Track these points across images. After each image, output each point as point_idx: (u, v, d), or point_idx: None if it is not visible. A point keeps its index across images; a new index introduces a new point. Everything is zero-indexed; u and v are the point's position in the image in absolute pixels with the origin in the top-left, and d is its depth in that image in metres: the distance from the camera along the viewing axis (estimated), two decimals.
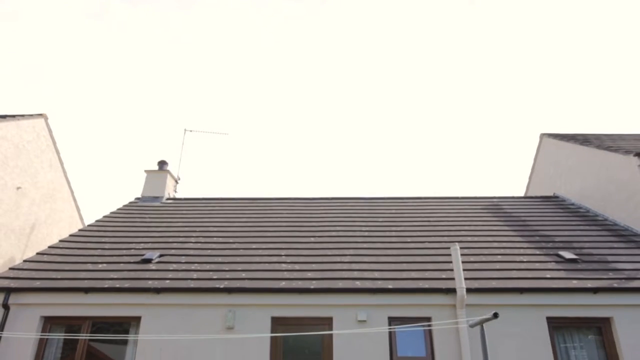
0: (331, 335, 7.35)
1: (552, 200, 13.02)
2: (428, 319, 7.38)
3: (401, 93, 37.05)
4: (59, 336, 7.61)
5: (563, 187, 13.15)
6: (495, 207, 12.35)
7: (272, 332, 7.38)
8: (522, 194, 15.47)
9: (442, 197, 13.38)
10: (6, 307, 7.51)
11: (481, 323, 3.98)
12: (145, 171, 13.57)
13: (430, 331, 7.38)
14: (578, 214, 11.52)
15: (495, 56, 36.05)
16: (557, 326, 7.44)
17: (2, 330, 7.34)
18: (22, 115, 11.39)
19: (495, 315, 3.75)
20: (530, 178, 15.19)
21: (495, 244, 9.50)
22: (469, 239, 9.82)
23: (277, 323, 7.50)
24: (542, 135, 14.36)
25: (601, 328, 7.42)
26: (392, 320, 7.43)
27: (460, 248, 7.82)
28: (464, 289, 7.21)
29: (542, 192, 14.06)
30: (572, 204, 12.39)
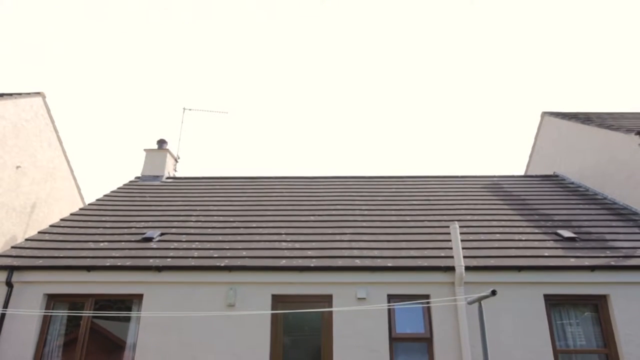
0: (331, 312, 7.45)
1: (552, 179, 13.03)
2: (427, 297, 7.48)
3: (402, 72, 36.69)
4: (62, 313, 7.72)
5: (563, 166, 13.14)
6: (495, 186, 12.36)
7: (272, 309, 7.48)
8: (522, 173, 15.47)
9: (442, 176, 13.38)
10: (10, 284, 7.60)
11: (479, 300, 4.03)
12: (145, 150, 13.54)
13: (428, 308, 7.48)
14: (577, 193, 11.55)
15: (496, 34, 35.58)
16: (554, 303, 7.54)
17: (6, 308, 7.45)
18: (20, 94, 11.29)
19: (494, 293, 3.79)
20: (530, 157, 15.17)
21: (495, 223, 9.55)
22: (468, 217, 9.87)
23: (278, 301, 7.60)
24: (544, 114, 14.27)
25: (597, 305, 7.52)
26: (391, 298, 7.52)
27: (460, 227, 7.87)
28: (463, 267, 7.29)
29: (542, 171, 14.06)
30: (572, 183, 12.40)
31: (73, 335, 7.61)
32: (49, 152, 12.25)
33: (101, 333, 7.75)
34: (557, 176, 13.21)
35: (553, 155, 13.73)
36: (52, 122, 12.67)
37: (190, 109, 14.71)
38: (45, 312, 7.60)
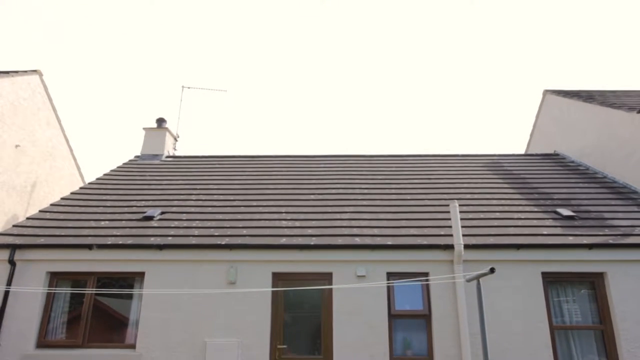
0: (331, 289, 7.53)
1: (553, 157, 13.01)
2: (426, 274, 7.55)
3: (403, 50, 36.22)
4: (64, 290, 7.81)
5: (564, 145, 13.10)
6: (495, 165, 12.35)
7: (273, 287, 7.56)
8: (523, 152, 15.43)
9: (442, 154, 13.36)
10: (12, 263, 7.66)
11: (478, 278, 4.07)
12: (144, 129, 13.49)
13: (427, 286, 7.56)
14: (577, 172, 11.54)
15: (499, 11, 34.99)
16: (552, 281, 7.62)
17: (9, 285, 7.53)
18: (16, 72, 11.17)
19: (492, 270, 3.82)
20: (531, 135, 15.11)
21: (494, 201, 9.57)
22: (468, 196, 9.89)
23: (278, 278, 7.68)
24: (546, 92, 14.15)
25: (594, 282, 7.60)
26: (390, 276, 7.60)
27: (459, 205, 7.89)
28: (462, 245, 7.34)
29: (543, 150, 14.02)
30: (572, 162, 12.38)
31: (76, 313, 7.72)
32: (47, 130, 12.19)
33: (104, 310, 7.86)
34: (557, 155, 13.18)
35: (554, 134, 13.67)
36: (50, 100, 12.57)
37: (189, 87, 14.61)
38: (47, 290, 7.69)
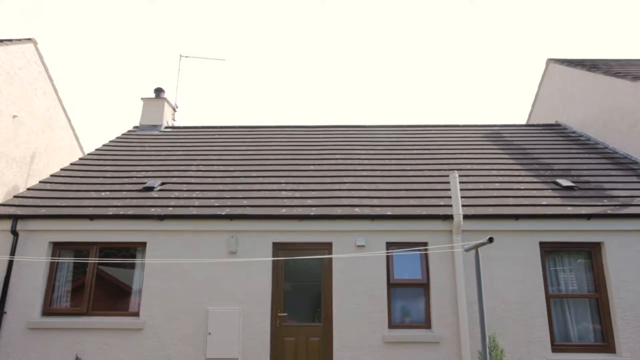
0: (331, 259, 7.62)
1: (554, 128, 12.93)
2: (424, 244, 7.62)
3: (404, 20, 35.46)
4: (66, 260, 7.91)
5: (566, 115, 13.00)
6: (496, 135, 12.29)
7: (273, 257, 7.65)
8: (524, 122, 15.32)
9: (443, 125, 13.27)
10: (15, 233, 7.73)
11: (476, 247, 4.10)
12: (142, 99, 13.36)
13: (426, 255, 7.65)
14: (578, 142, 11.50)
15: None
16: (549, 251, 7.70)
17: (13, 255, 7.62)
18: (10, 40, 10.96)
19: (490, 240, 3.85)
20: (533, 106, 14.97)
21: (494, 172, 9.57)
22: (468, 166, 9.88)
23: (278, 248, 7.76)
24: (549, 61, 13.93)
25: (591, 252, 7.69)
26: (389, 246, 7.67)
27: (459, 176, 7.89)
28: (461, 216, 7.38)
29: (544, 120, 13.92)
30: (574, 132, 12.31)
31: (80, 282, 7.84)
32: (44, 100, 12.07)
33: (107, 280, 7.98)
34: (559, 125, 13.10)
35: (556, 104, 13.54)
36: (46, 69, 12.38)
37: (186, 56, 14.38)
38: (50, 259, 7.78)
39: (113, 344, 7.32)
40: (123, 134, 12.72)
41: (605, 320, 7.36)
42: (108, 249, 7.99)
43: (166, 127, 13.25)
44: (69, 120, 13.39)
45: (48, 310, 7.62)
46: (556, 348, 7.22)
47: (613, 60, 12.86)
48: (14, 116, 10.65)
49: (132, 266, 7.91)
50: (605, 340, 7.31)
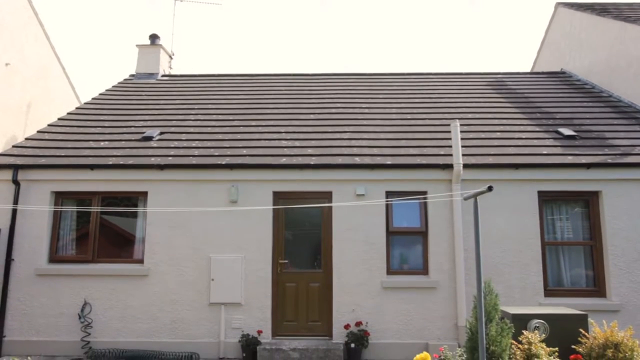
0: (330, 208, 7.71)
1: (559, 76, 12.66)
2: (424, 193, 7.68)
3: None
4: (69, 209, 8.00)
5: (572, 62, 12.68)
6: (499, 84, 12.06)
7: (274, 205, 7.72)
8: (529, 70, 14.99)
9: (445, 73, 12.99)
10: (16, 183, 7.76)
11: (475, 196, 4.12)
12: (137, 46, 13.01)
13: (425, 204, 7.72)
14: (583, 90, 11.30)
15: None
16: (547, 200, 7.77)
17: (16, 204, 7.69)
18: None
19: (490, 189, 3.85)
20: (539, 53, 14.58)
21: (496, 121, 9.47)
22: (470, 115, 9.77)
23: (279, 197, 7.82)
24: (557, 5, 13.41)
25: (588, 201, 7.75)
26: (389, 194, 7.73)
27: (460, 125, 7.81)
28: (461, 165, 7.38)
29: (550, 68, 13.60)
30: (578, 80, 12.07)
31: (84, 231, 7.97)
32: (36, 47, 11.72)
33: (111, 228, 8.11)
34: (564, 73, 12.82)
35: (563, 51, 13.18)
36: (36, 14, 11.93)
37: (181, 0, 13.84)
38: (53, 208, 7.87)
39: (119, 290, 7.54)
40: (119, 83, 12.49)
41: (598, 267, 7.55)
42: (110, 199, 8.06)
43: (163, 76, 13.00)
44: (64, 69, 13.08)
45: (54, 257, 7.80)
46: (549, 293, 7.45)
47: (625, 4, 12.38)
48: (7, 64, 10.39)
49: (134, 215, 8.01)
50: (597, 286, 7.54)
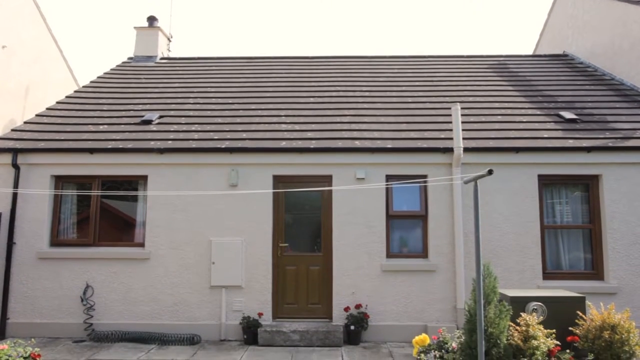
0: (330, 191, 7.71)
1: (561, 58, 12.55)
2: (424, 177, 7.68)
3: None
4: (69, 192, 8.01)
5: (575, 45, 12.55)
6: (501, 66, 11.96)
7: (274, 189, 7.73)
8: (531, 53, 14.84)
9: (446, 55, 12.87)
10: (16, 166, 7.76)
11: (475, 179, 4.12)
12: (135, 28, 12.87)
13: (425, 188, 7.73)
14: (585, 73, 11.21)
15: None
16: (547, 183, 7.77)
17: (16, 188, 7.70)
18: None
19: (490, 172, 3.85)
20: (541, 35, 14.41)
21: (497, 104, 9.42)
22: (471, 98, 9.70)
23: (279, 181, 7.82)
24: None
25: (588, 185, 7.76)
26: (389, 178, 7.73)
27: (461, 108, 7.76)
28: (462, 149, 7.36)
29: (553, 50, 13.46)
30: (581, 63, 11.96)
31: (85, 214, 7.99)
32: (33, 30, 11.59)
33: (112, 212, 8.13)
34: (566, 55, 12.70)
35: (565, 33, 13.02)
36: None
37: None
38: (54, 192, 7.87)
39: (121, 273, 7.60)
40: (117, 66, 12.39)
41: (597, 250, 7.59)
42: (110, 182, 8.06)
43: (161, 58, 12.89)
44: (61, 52, 12.95)
45: (56, 241, 7.84)
46: (547, 276, 7.51)
47: None
48: (3, 46, 10.29)
49: (135, 199, 8.02)
50: (595, 269, 7.59)
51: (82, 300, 7.49)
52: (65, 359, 6.37)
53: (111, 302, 7.53)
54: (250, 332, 7.15)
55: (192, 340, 7.16)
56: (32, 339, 6.06)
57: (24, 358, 5.07)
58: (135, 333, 7.29)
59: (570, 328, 5.09)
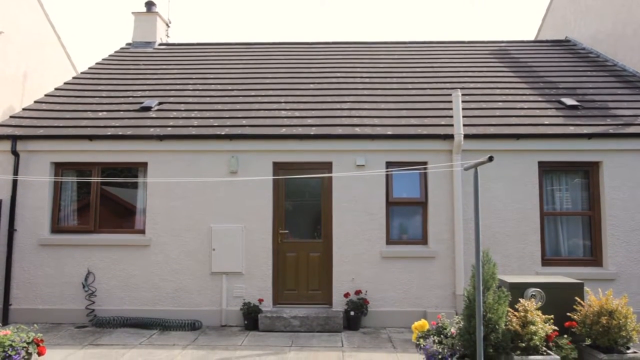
0: (330, 178, 7.71)
1: (563, 44, 12.43)
2: (424, 164, 7.66)
3: None
4: (69, 179, 8.01)
5: (577, 30, 12.43)
6: (502, 52, 11.85)
7: (274, 176, 7.72)
8: (533, 38, 14.70)
9: (447, 41, 12.75)
10: (16, 153, 7.74)
11: (476, 166, 4.11)
12: (133, 13, 12.74)
13: (425, 175, 7.72)
14: (587, 59, 11.11)
15: None
16: (547, 170, 7.76)
17: (16, 175, 7.69)
18: None
19: (490, 159, 3.84)
20: (543, 20, 14.26)
21: (498, 91, 9.36)
22: (472, 85, 9.64)
23: (279, 168, 7.81)
24: None
25: (588, 172, 7.75)
26: (389, 165, 7.71)
27: (462, 94, 7.72)
28: (462, 135, 7.34)
29: (555, 36, 13.34)
30: (583, 49, 11.86)
31: (85, 202, 8.00)
32: (30, 15, 11.47)
33: (112, 199, 8.14)
34: (568, 41, 12.58)
35: (568, 18, 12.89)
36: None
37: None
38: (54, 179, 7.87)
39: (122, 260, 7.64)
40: (116, 52, 12.30)
41: (596, 237, 7.62)
42: (110, 169, 8.05)
43: (160, 44, 12.79)
44: (59, 38, 12.84)
45: (56, 228, 7.86)
46: (546, 262, 7.54)
47: None
48: (0, 32, 10.19)
49: (135, 186, 8.03)
50: (594, 255, 7.62)
51: (83, 287, 7.54)
52: (68, 344, 6.44)
53: (112, 289, 7.59)
54: (251, 318, 7.21)
55: (193, 326, 7.22)
56: (35, 325, 6.11)
57: (27, 343, 5.12)
58: (136, 319, 7.35)
59: (568, 314, 5.13)
